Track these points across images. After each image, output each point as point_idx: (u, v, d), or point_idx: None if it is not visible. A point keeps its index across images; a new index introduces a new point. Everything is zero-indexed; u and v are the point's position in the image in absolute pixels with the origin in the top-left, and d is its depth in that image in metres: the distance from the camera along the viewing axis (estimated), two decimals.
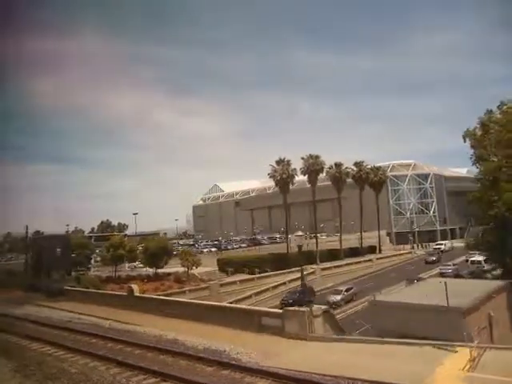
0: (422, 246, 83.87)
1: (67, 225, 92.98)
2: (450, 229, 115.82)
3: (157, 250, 42.11)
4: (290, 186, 59.49)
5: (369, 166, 70.96)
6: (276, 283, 43.15)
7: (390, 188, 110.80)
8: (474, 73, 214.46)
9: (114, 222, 76.48)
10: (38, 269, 33.10)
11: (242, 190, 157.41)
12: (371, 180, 71.84)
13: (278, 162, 56.50)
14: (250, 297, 39.13)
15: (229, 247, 79.73)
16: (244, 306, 15.40)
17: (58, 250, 29.00)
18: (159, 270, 43.88)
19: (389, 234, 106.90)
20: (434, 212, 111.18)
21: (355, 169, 69.77)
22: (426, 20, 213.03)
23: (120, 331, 16.52)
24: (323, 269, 49.63)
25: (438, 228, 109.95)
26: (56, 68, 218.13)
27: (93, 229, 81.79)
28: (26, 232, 32.89)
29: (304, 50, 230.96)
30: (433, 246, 78.86)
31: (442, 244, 75.99)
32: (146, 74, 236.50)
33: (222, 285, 40.47)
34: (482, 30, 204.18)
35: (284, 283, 43.56)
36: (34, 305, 26.61)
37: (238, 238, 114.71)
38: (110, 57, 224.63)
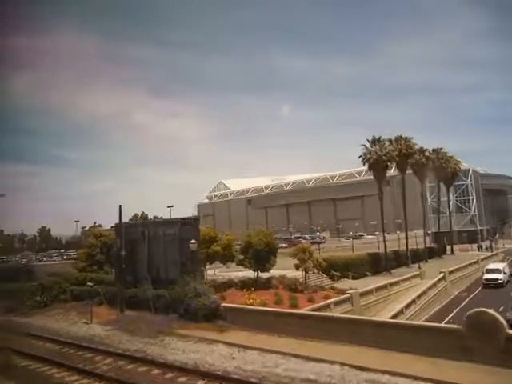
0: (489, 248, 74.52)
1: (76, 220, 79.72)
2: (487, 229, 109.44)
3: (263, 247, 30.80)
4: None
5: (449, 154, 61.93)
6: (415, 292, 32.92)
7: (427, 184, 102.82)
8: (450, 81, 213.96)
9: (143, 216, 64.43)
10: (134, 272, 21.42)
11: (253, 188, 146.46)
12: (447, 170, 62.93)
13: (373, 142, 46.15)
14: (401, 312, 28.84)
15: None
16: None
17: (193, 242, 17.67)
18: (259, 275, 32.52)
19: (428, 234, 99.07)
20: (474, 211, 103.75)
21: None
22: (404, 29, 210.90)
23: None
24: (450, 272, 39.59)
25: (479, 228, 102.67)
26: (31, 66, 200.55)
27: None
28: (120, 216, 21.09)
29: (286, 55, 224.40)
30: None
31: (498, 271, 39.26)
32: (125, 74, 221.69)
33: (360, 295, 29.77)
34: (457, 39, 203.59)
35: (424, 292, 33.39)
36: (185, 337, 15.05)
37: None
38: (86, 56, 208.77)
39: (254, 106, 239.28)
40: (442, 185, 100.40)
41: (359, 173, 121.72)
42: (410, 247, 57.74)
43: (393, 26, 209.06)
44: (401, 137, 50.19)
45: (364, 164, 47.71)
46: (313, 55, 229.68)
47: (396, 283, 35.01)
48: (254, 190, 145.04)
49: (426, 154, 56.06)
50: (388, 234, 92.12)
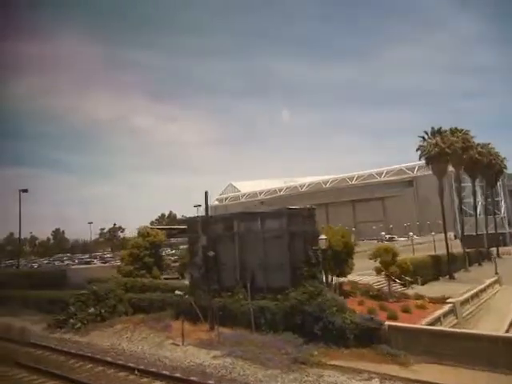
0: None
1: (90, 222, 74.91)
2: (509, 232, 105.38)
3: (341, 248, 26.24)
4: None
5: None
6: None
7: (453, 185, 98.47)
8: (446, 86, 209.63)
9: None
10: (218, 278, 16.90)
11: (266, 190, 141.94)
12: (495, 168, 58.59)
13: (433, 134, 41.66)
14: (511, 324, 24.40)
15: None
16: None
17: (323, 238, 13.06)
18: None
19: (457, 237, 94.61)
20: (504, 213, 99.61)
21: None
22: (401, 34, 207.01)
23: None
24: None
25: (507, 230, 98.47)
26: (30, 69, 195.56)
27: (152, 223, 64.18)
28: (206, 206, 16.54)
29: (285, 58, 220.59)
30: None
31: None
32: (125, 77, 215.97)
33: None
34: (454, 45, 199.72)
35: None
36: (351, 372, 10.47)
37: None
38: (86, 59, 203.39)
39: (254, 110, 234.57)
40: (465, 185, 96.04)
41: (379, 173, 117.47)
42: (456, 250, 53.35)
43: (392, 29, 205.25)
44: (456, 129, 45.78)
45: (420, 158, 43.18)
46: (312, 58, 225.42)
47: (483, 290, 30.49)
48: (267, 192, 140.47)
49: (479, 149, 51.62)
50: (419, 236, 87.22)
